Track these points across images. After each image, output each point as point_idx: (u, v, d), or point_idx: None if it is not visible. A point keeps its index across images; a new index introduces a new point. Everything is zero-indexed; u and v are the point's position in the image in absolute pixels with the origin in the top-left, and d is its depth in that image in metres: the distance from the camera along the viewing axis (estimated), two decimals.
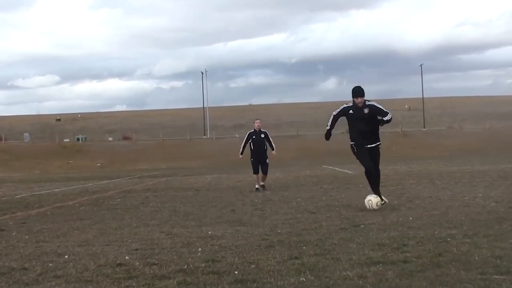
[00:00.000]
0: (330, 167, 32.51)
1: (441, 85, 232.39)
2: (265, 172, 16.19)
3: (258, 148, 16.26)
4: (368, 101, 10.05)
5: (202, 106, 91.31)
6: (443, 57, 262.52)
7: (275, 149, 16.45)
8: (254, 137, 16.36)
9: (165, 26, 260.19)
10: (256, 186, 16.01)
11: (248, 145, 16.41)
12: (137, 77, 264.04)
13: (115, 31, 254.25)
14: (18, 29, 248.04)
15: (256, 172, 16.21)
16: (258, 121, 16.79)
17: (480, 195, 11.72)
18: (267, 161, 16.29)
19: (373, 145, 10.06)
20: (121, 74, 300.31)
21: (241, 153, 16.61)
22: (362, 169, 10.29)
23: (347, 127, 10.19)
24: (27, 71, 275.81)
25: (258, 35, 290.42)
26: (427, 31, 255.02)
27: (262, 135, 16.38)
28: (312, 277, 4.86)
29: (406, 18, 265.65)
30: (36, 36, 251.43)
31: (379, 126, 10.07)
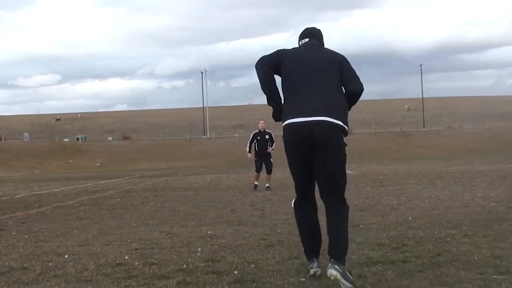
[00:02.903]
0: None
1: (443, 85, 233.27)
2: (269, 171, 16.22)
3: (263, 149, 16.29)
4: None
5: (202, 106, 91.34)
6: (445, 57, 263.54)
7: (273, 147, 16.32)
8: (258, 137, 16.38)
9: (168, 25, 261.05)
10: (255, 183, 16.06)
11: (253, 145, 16.49)
12: (139, 77, 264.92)
13: (118, 30, 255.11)
14: (20, 28, 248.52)
15: (258, 170, 16.27)
16: (262, 121, 16.72)
17: (479, 195, 11.72)
18: (271, 160, 16.27)
19: None
20: (123, 74, 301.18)
21: (249, 151, 16.63)
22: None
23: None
24: (28, 70, 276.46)
25: (261, 34, 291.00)
26: (429, 31, 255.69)
27: (267, 136, 16.35)
28: (312, 277, 4.85)
29: (409, 18, 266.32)
30: (38, 35, 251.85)
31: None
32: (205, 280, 4.94)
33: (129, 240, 7.37)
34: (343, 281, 4.34)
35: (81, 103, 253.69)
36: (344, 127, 4.66)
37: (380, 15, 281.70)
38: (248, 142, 16.61)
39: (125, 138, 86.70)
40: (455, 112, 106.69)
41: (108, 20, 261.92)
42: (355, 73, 4.84)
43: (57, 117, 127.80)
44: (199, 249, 6.49)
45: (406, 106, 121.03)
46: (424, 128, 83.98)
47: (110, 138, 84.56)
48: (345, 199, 4.85)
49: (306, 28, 5.13)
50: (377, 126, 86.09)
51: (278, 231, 7.69)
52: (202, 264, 5.59)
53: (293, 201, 5.12)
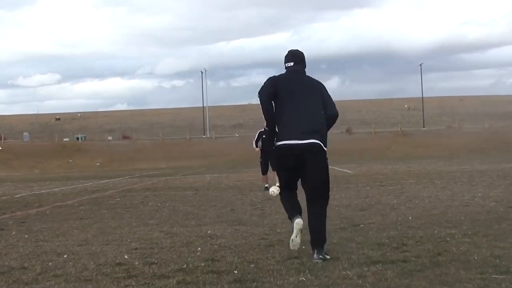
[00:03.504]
0: (330, 167, 32.44)
1: (444, 85, 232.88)
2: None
3: (268, 148, 16.16)
4: None
5: (202, 105, 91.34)
6: (446, 57, 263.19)
7: None
8: (264, 136, 16.31)
9: (168, 24, 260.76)
10: (266, 185, 15.91)
11: (258, 144, 16.40)
12: (139, 76, 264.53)
13: (118, 30, 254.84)
14: (20, 27, 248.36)
15: (264, 172, 16.15)
16: None
17: (479, 194, 11.72)
18: None
19: None
20: (123, 73, 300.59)
21: (256, 146, 16.49)
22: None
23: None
24: (28, 70, 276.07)
25: (261, 34, 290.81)
26: (430, 31, 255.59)
27: None
28: (312, 277, 4.86)
29: (410, 18, 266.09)
30: (38, 35, 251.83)
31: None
32: (205, 279, 4.95)
33: (129, 240, 7.37)
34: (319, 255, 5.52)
35: (81, 103, 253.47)
36: (324, 147, 5.80)
37: (380, 14, 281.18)
38: (254, 141, 16.53)
39: (125, 137, 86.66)
40: (455, 112, 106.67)
41: (108, 20, 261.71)
42: (331, 99, 5.93)
43: (57, 117, 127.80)
44: (199, 248, 6.49)
45: (406, 106, 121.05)
46: (424, 127, 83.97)
47: (110, 138, 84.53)
48: (328, 199, 5.91)
49: (290, 50, 6.07)
50: (377, 126, 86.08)
51: (278, 230, 7.69)
52: (202, 264, 5.59)
53: (279, 193, 6.31)
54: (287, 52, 6.06)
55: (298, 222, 5.71)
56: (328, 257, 5.56)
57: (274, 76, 5.94)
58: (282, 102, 5.79)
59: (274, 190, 8.09)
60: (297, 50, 6.08)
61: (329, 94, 5.94)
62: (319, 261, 5.43)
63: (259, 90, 5.86)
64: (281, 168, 6.02)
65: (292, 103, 5.76)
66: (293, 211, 5.85)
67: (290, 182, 5.98)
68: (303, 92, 5.81)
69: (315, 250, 5.55)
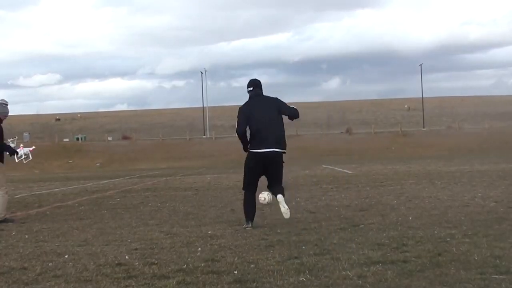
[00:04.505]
0: (330, 167, 32.49)
1: (444, 85, 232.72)
2: None
3: None
4: None
5: (202, 105, 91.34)
6: (446, 57, 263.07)
7: None
8: None
9: (168, 24, 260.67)
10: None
11: None
12: (139, 76, 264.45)
13: (119, 30, 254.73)
14: (21, 27, 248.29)
15: None
16: None
17: (479, 195, 11.72)
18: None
19: None
20: (123, 73, 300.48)
21: None
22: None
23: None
24: (28, 70, 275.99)
25: (262, 34, 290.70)
26: (431, 31, 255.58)
27: None
28: (312, 277, 4.86)
29: (411, 18, 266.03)
30: (39, 35, 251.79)
31: None
32: (205, 280, 4.95)
33: (129, 240, 7.37)
34: (284, 204, 7.98)
35: (81, 103, 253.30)
36: (285, 152, 8.09)
37: (382, 14, 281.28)
38: None
39: (125, 138, 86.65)
40: (455, 112, 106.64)
41: (108, 20, 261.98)
42: (286, 104, 8.17)
43: (57, 117, 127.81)
44: (199, 249, 6.49)
45: (406, 106, 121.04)
46: (424, 128, 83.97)
47: (110, 138, 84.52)
48: (282, 184, 8.19)
49: (251, 79, 8.39)
50: (377, 126, 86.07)
51: (278, 231, 7.69)
52: (202, 264, 5.60)
53: (244, 193, 8.47)
54: (248, 80, 8.37)
55: (250, 228, 7.97)
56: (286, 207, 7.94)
57: (242, 106, 8.17)
58: (252, 121, 7.96)
59: (266, 197, 7.95)
60: (255, 78, 8.42)
61: (284, 102, 8.14)
62: (281, 197, 7.96)
63: (236, 128, 8.02)
64: (251, 168, 8.17)
65: (258, 121, 7.94)
66: (248, 216, 8.22)
67: (254, 180, 8.21)
68: (264, 110, 8.03)
69: (278, 193, 7.98)
